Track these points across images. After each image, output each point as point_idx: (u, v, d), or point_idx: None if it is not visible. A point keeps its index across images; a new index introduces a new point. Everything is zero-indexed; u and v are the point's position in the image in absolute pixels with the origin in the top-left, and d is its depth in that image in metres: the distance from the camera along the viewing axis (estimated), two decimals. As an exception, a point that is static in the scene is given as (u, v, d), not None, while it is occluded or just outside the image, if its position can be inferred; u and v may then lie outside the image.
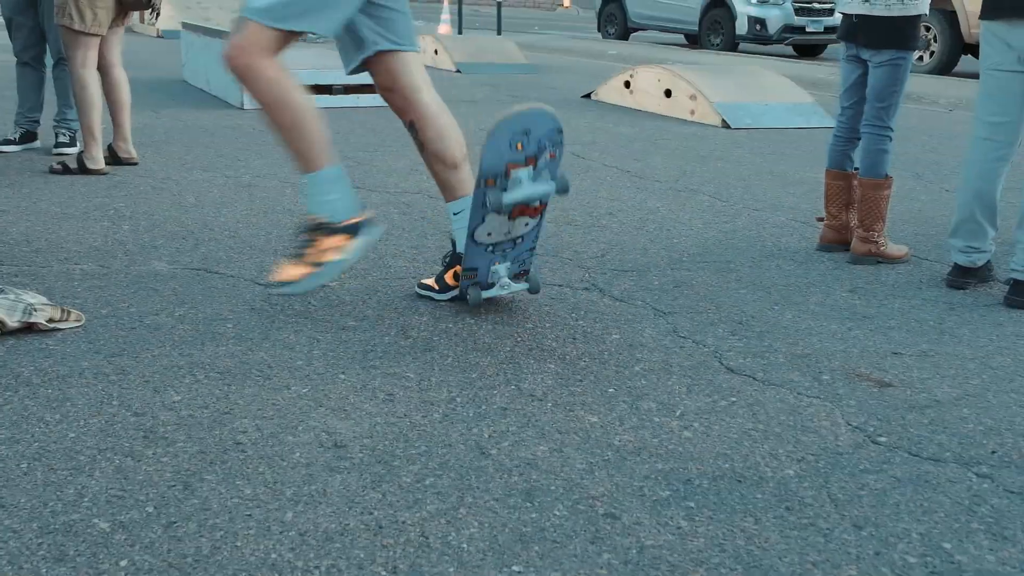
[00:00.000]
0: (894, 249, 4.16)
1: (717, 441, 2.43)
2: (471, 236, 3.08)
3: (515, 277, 3.25)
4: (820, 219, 4.31)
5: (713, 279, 3.77)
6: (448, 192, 3.31)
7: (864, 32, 3.98)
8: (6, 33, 5.85)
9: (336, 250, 3.03)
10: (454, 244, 3.34)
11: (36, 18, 5.49)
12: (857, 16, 3.98)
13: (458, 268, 3.26)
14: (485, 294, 3.20)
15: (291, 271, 3.03)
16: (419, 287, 3.44)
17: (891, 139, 4.08)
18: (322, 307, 3.28)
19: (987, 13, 3.64)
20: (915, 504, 2.17)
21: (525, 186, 2.99)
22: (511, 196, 2.96)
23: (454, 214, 3.31)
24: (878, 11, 3.93)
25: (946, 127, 8.39)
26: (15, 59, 5.70)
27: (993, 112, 3.69)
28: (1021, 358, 3.09)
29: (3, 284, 3.09)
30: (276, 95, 2.96)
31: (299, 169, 3.12)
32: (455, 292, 3.32)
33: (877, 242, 4.13)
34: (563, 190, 3.10)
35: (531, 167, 2.97)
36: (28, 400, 2.50)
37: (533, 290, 3.28)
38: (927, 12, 4.05)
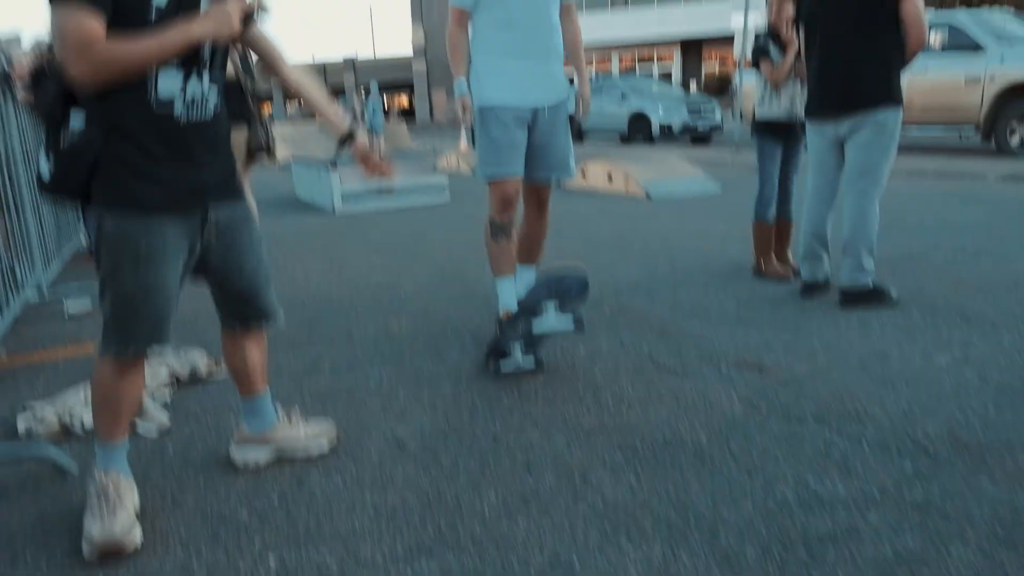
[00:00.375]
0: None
1: (653, 419, 2.38)
2: (503, 328, 2.87)
3: (525, 349, 2.87)
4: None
5: (644, 304, 3.71)
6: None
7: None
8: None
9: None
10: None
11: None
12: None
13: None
14: (503, 366, 2.85)
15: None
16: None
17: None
18: (388, 345, 3.24)
19: (808, 113, 3.61)
20: (787, 454, 2.11)
21: (550, 318, 2.73)
22: (539, 327, 2.74)
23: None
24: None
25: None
26: None
27: (819, 177, 3.65)
28: (853, 343, 3.02)
29: (174, 345, 3.06)
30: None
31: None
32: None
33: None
34: (579, 327, 2.74)
35: (557, 301, 2.73)
36: (194, 427, 2.47)
37: (537, 363, 2.86)
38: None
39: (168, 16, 1.63)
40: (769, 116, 4.02)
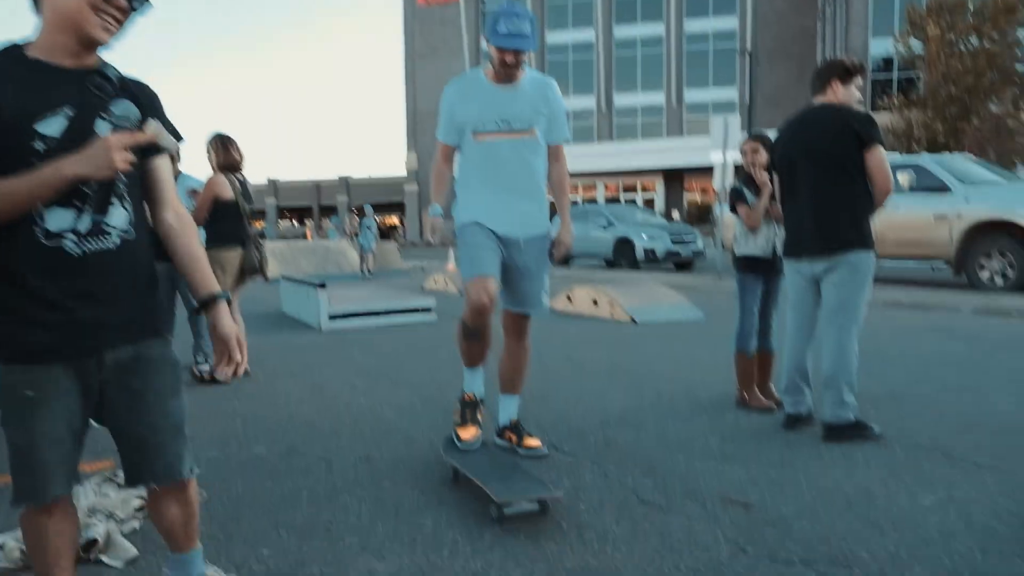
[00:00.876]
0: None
1: (637, 559, 2.33)
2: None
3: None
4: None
5: (630, 436, 3.69)
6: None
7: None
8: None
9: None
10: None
11: (171, 282, 5.37)
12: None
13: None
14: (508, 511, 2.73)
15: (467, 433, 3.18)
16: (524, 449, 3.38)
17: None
18: (368, 475, 3.18)
19: (785, 253, 3.76)
20: (775, 600, 2.06)
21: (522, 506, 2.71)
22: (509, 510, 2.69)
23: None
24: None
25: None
26: None
27: (798, 313, 3.75)
28: (839, 479, 3.01)
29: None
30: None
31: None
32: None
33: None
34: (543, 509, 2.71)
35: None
36: (163, 558, 2.37)
37: (542, 505, 2.72)
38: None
39: (61, 150, 1.53)
40: (747, 252, 4.18)
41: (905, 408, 4.09)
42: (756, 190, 4.16)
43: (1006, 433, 3.59)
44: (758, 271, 4.16)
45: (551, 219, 3.31)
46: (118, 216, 1.63)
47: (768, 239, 4.12)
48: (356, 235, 17.77)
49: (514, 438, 3.41)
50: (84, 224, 1.58)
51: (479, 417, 3.28)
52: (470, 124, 3.14)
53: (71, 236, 1.57)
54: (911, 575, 2.18)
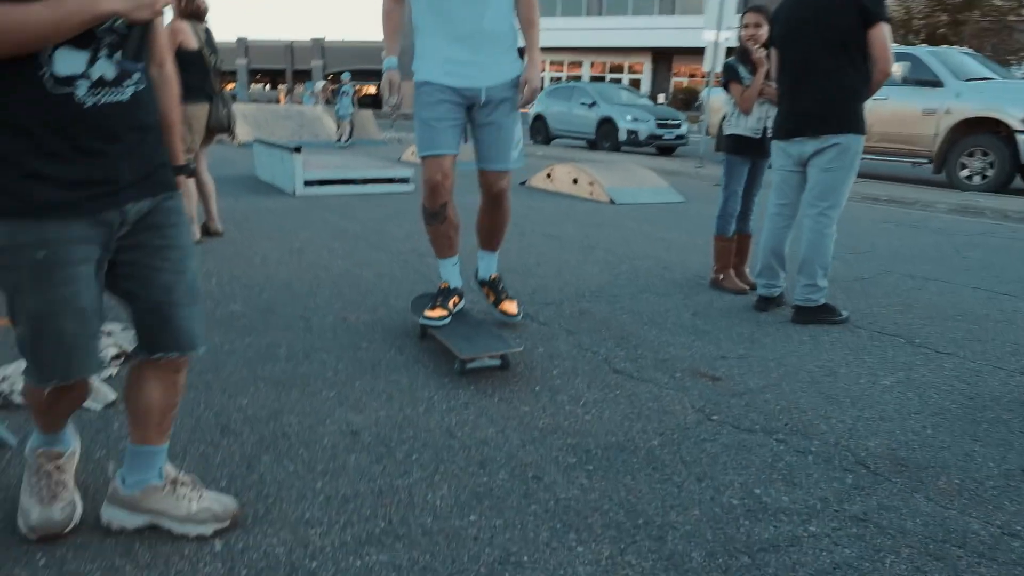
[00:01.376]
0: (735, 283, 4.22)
1: (607, 422, 2.41)
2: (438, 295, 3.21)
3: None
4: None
5: (605, 308, 3.76)
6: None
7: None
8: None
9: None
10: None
11: None
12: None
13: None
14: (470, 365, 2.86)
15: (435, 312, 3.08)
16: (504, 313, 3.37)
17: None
18: (345, 334, 3.21)
19: (775, 135, 3.70)
20: (736, 462, 2.17)
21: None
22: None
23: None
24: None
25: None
26: None
27: (781, 196, 3.75)
28: (804, 358, 3.11)
29: (123, 320, 2.99)
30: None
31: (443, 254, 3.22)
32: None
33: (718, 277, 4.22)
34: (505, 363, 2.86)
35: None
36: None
37: (503, 361, 2.87)
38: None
39: None
40: (737, 132, 4.10)
41: (873, 295, 4.20)
42: (752, 68, 4.03)
43: (968, 322, 3.71)
44: (746, 153, 4.10)
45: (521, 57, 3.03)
46: (135, 70, 1.49)
47: (760, 119, 4.04)
48: (329, 101, 17.13)
49: (492, 296, 3.42)
50: (100, 70, 1.42)
51: (450, 305, 3.13)
52: None
53: (83, 81, 1.40)
54: (866, 446, 2.30)
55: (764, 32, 3.97)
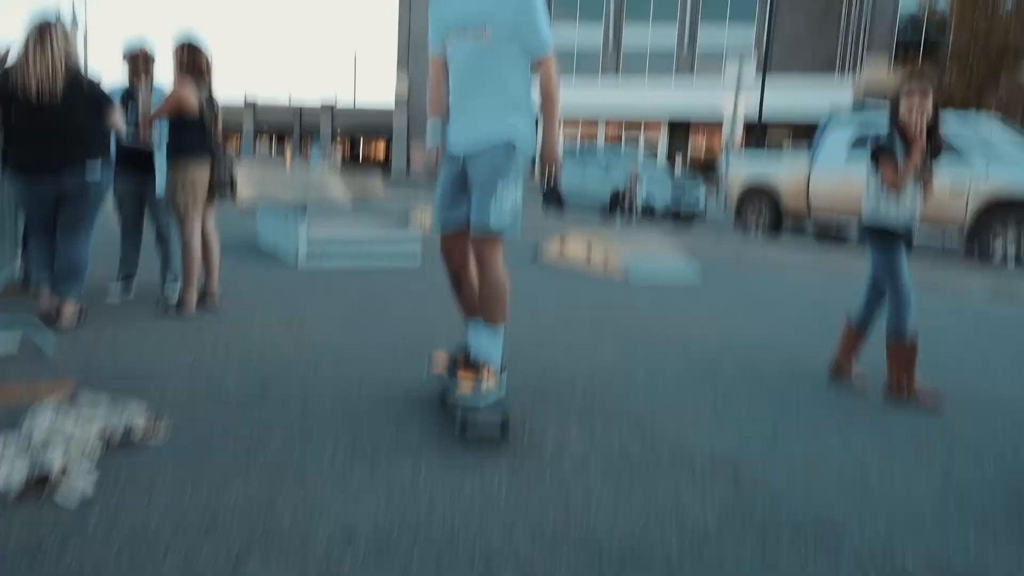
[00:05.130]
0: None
1: (621, 524, 2.34)
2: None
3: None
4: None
5: (619, 389, 3.71)
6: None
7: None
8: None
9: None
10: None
11: (141, 200, 5.26)
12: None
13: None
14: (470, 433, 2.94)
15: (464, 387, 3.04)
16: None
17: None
18: (345, 414, 3.17)
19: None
20: (762, 573, 2.09)
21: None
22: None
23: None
24: None
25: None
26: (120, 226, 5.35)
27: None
28: (833, 449, 3.03)
29: (112, 395, 2.95)
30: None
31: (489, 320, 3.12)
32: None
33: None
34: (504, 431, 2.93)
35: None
36: (127, 490, 2.36)
37: (503, 428, 2.95)
38: None
39: None
40: (887, 221, 3.77)
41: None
42: (906, 147, 3.68)
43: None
44: (895, 244, 3.76)
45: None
46: None
47: (913, 206, 3.74)
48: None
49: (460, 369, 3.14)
50: None
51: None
52: (448, 28, 3.08)
53: None
54: (903, 551, 2.22)
55: (929, 106, 3.65)
